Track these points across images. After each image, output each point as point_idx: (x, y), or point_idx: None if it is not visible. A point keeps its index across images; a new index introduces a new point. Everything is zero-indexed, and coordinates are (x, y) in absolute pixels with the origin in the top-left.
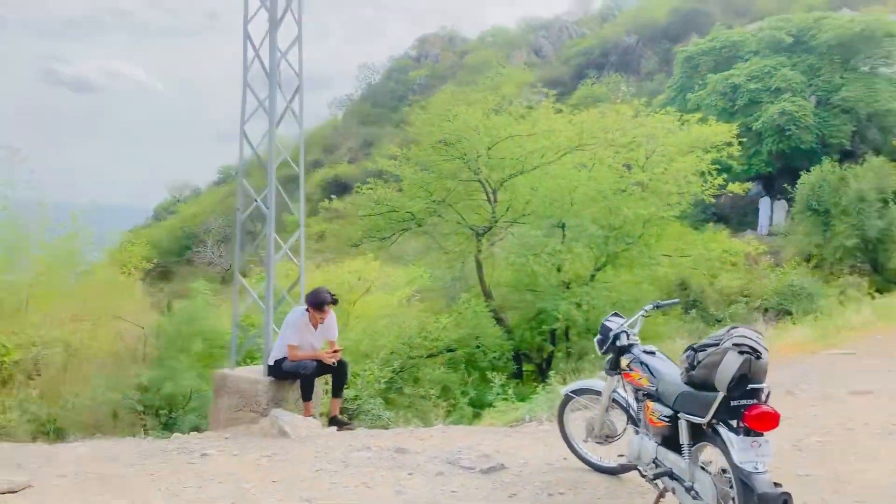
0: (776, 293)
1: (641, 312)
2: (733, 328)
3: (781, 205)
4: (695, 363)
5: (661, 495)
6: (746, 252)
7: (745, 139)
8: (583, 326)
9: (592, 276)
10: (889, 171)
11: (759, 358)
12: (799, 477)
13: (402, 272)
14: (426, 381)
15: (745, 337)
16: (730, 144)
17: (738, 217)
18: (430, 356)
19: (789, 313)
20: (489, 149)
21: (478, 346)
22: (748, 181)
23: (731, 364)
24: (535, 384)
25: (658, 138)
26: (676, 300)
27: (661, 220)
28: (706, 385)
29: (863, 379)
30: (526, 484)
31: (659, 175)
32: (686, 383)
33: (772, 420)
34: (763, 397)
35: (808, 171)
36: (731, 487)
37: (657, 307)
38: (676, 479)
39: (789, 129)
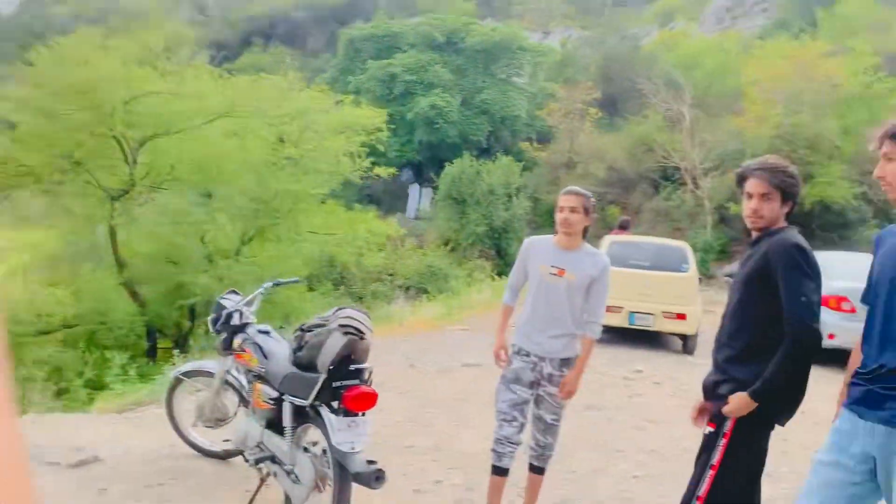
0: (416, 273)
1: (260, 290)
2: (340, 309)
3: (428, 192)
4: (302, 344)
5: (263, 480)
6: (389, 234)
7: (398, 127)
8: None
9: (238, 251)
10: (514, 169)
11: (362, 339)
12: (405, 448)
13: (16, 235)
14: (31, 361)
15: (351, 318)
16: (380, 130)
17: (390, 200)
18: (41, 333)
19: (427, 291)
20: (126, 103)
21: (102, 322)
22: (402, 167)
23: (334, 345)
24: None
25: (312, 115)
26: (296, 279)
27: (310, 196)
28: (311, 366)
29: (475, 353)
30: (122, 476)
31: (310, 152)
32: (293, 364)
33: (369, 400)
34: (365, 378)
35: (451, 162)
36: (330, 468)
37: (277, 285)
38: (278, 463)
39: (438, 123)
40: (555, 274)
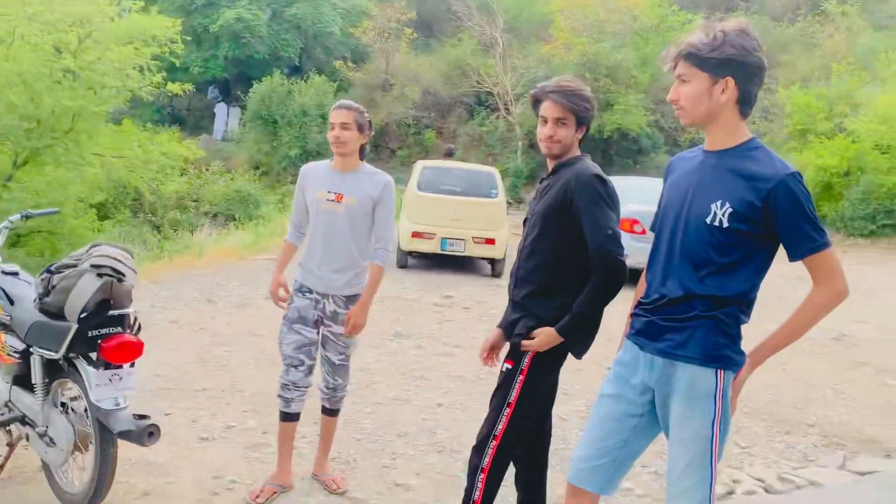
0: (224, 199)
1: (5, 224)
2: (95, 246)
3: (237, 112)
4: (49, 287)
5: (13, 446)
6: (187, 156)
7: (202, 41)
8: None
9: (10, 176)
10: (328, 89)
11: (121, 280)
12: (196, 392)
13: None
14: None
15: (107, 256)
16: (173, 41)
17: (195, 121)
18: None
19: (235, 219)
20: None
21: None
22: (208, 85)
23: (86, 288)
24: None
25: (93, 22)
26: (55, 209)
27: (94, 115)
28: (61, 313)
29: None
30: None
31: (91, 64)
32: (41, 311)
33: (133, 350)
34: (129, 325)
35: (260, 80)
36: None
37: (27, 217)
38: (30, 425)
39: (245, 37)
40: (332, 200)
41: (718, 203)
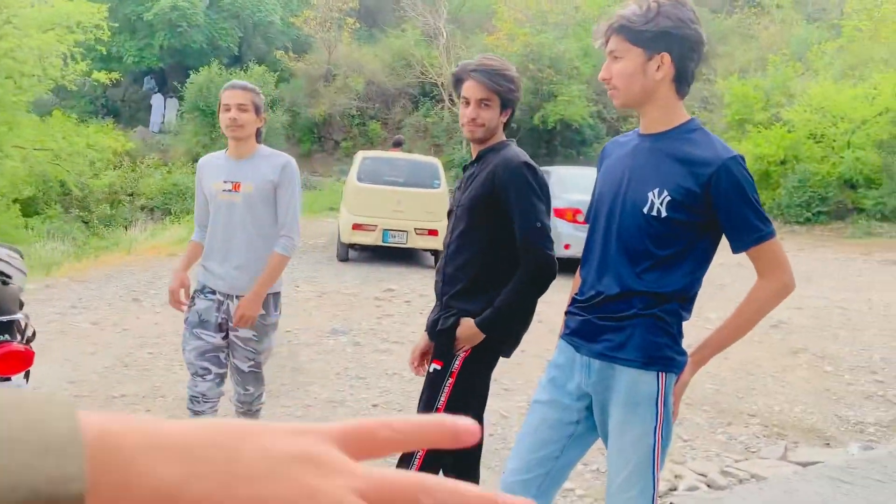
0: (160, 192)
1: None
2: None
3: (174, 103)
4: None
5: None
6: (115, 148)
7: (137, 29)
8: None
9: None
10: (268, 79)
11: (6, 283)
12: (114, 398)
13: None
14: None
15: None
16: (99, 27)
17: (130, 112)
18: None
19: (171, 213)
20: None
21: None
22: (143, 76)
23: None
24: None
25: (12, 7)
26: None
27: (13, 105)
28: None
29: None
30: None
31: (9, 52)
32: None
33: (23, 360)
34: (18, 331)
35: (198, 71)
36: None
37: None
38: None
39: (181, 26)
40: (229, 190)
41: (655, 191)
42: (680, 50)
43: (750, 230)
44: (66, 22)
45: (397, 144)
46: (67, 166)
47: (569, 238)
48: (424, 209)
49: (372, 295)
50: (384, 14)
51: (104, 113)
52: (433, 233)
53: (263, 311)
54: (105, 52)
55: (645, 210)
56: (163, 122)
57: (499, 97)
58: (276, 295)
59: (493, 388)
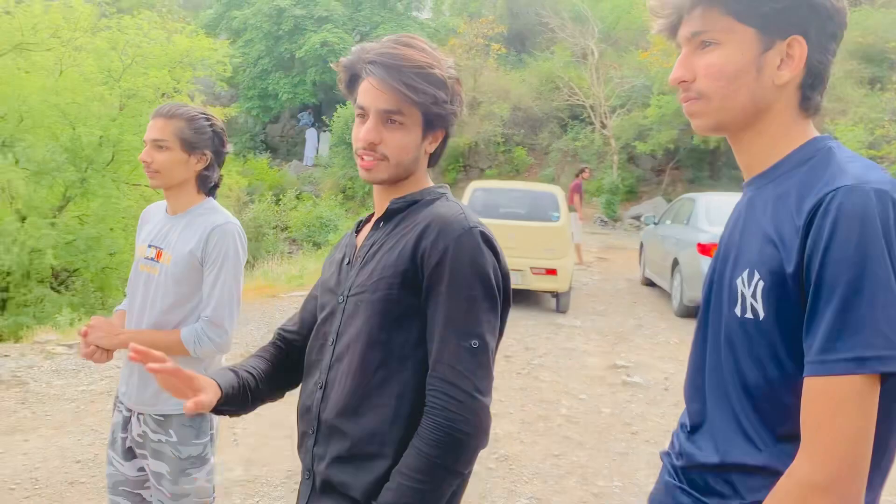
0: (304, 225)
1: None
2: None
3: (327, 137)
4: None
5: None
6: (230, 185)
7: (290, 67)
8: (24, 271)
9: (62, 208)
10: None
11: None
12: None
13: None
14: None
15: None
16: (221, 64)
17: (287, 147)
18: None
19: (319, 245)
20: None
21: None
22: (300, 111)
23: None
24: None
25: (141, 46)
26: None
27: (132, 144)
28: None
29: None
30: None
31: (130, 91)
32: None
33: None
34: None
35: (345, 105)
36: None
37: None
38: None
39: (330, 61)
40: (151, 258)
41: (745, 275)
42: (818, 33)
43: (823, 332)
44: (189, 59)
45: (580, 174)
46: None
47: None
48: (542, 245)
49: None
50: (533, 37)
51: (263, 148)
52: (552, 272)
53: (174, 438)
54: (223, 88)
55: (737, 312)
56: (316, 156)
57: (417, 109)
58: (200, 417)
59: None
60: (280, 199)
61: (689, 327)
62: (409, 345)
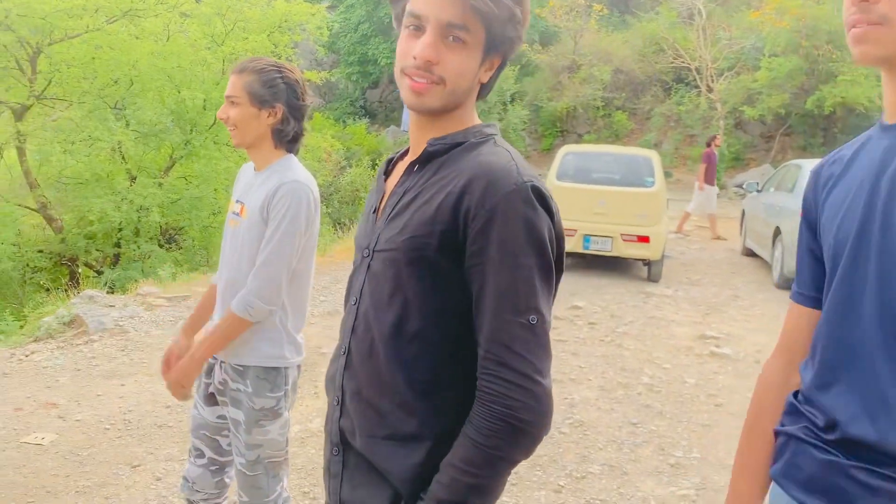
0: None
1: None
2: None
3: None
4: None
5: None
6: (325, 147)
7: (390, 31)
8: (134, 228)
9: (170, 169)
10: (507, 74)
11: None
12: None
13: None
14: None
15: None
16: (319, 29)
17: (385, 112)
18: None
19: None
20: None
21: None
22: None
23: None
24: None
25: (242, 11)
26: None
27: None
28: None
29: None
30: None
31: (238, 54)
32: None
33: None
34: None
35: None
36: None
37: None
38: None
39: None
40: (237, 213)
41: None
42: None
43: None
44: (289, 24)
45: (713, 141)
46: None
47: None
48: (634, 211)
49: (553, 313)
50: None
51: (362, 114)
52: (644, 239)
53: (250, 389)
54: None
55: None
56: None
57: (482, 26)
58: (274, 371)
59: None
60: (376, 164)
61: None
62: (446, 314)
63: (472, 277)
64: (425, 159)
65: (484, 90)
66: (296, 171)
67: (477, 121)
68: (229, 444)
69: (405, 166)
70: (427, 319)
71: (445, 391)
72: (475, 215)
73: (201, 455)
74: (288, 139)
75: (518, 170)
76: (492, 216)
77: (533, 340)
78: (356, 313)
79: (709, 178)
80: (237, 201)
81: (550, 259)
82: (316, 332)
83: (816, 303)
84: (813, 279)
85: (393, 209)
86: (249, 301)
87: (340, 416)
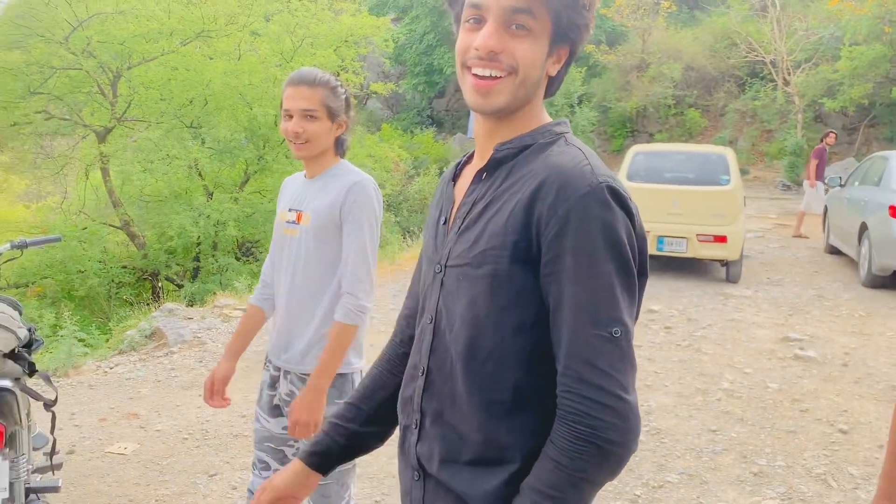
0: None
1: None
2: None
3: None
4: None
5: None
6: (392, 157)
7: (454, 41)
8: (211, 242)
9: (244, 184)
10: (574, 76)
11: None
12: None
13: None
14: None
15: None
16: (385, 41)
17: (452, 120)
18: (16, 287)
19: None
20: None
21: (81, 271)
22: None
23: None
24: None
25: (307, 27)
26: (57, 237)
27: None
28: None
29: None
30: None
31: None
32: None
33: None
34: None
35: None
36: None
37: (22, 246)
38: None
39: None
40: (292, 222)
41: None
42: None
43: None
44: (354, 37)
45: (824, 139)
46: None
47: None
48: (709, 211)
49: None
50: None
51: (429, 123)
52: (720, 239)
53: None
54: (388, 64)
55: None
56: None
57: (548, 13)
58: (343, 377)
59: None
60: (444, 171)
61: (878, 299)
62: (523, 330)
63: (548, 289)
64: (493, 166)
65: (552, 86)
66: (359, 171)
67: (546, 119)
68: (295, 454)
69: (472, 172)
70: (503, 336)
71: (526, 411)
72: (548, 222)
73: (267, 467)
74: (345, 147)
75: (592, 169)
76: (566, 222)
77: (616, 354)
78: (433, 332)
79: (819, 176)
80: (291, 210)
81: (631, 264)
82: (385, 340)
83: None
84: None
85: (463, 221)
86: (355, 306)
87: (418, 441)
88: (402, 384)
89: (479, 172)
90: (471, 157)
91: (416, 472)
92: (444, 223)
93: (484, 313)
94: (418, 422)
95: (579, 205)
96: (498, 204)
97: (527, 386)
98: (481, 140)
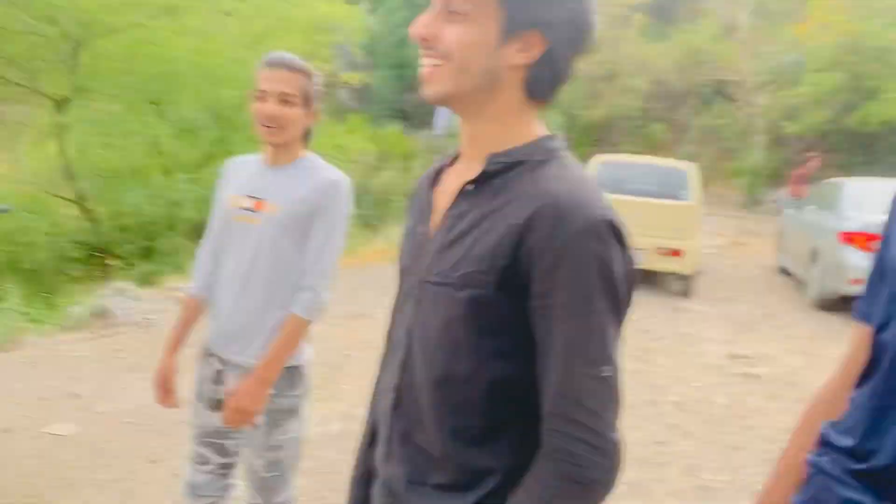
0: None
1: None
2: None
3: None
4: None
5: None
6: (359, 149)
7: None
8: (167, 223)
9: (205, 164)
10: None
11: None
12: None
13: None
14: None
15: None
16: (355, 31)
17: (421, 116)
18: None
19: None
20: None
21: (29, 243)
22: None
23: None
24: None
25: (282, 11)
26: (7, 206)
27: None
28: None
29: None
30: None
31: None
32: None
33: None
34: None
35: None
36: None
37: None
38: None
39: None
40: (248, 209)
41: None
42: None
43: None
44: (327, 24)
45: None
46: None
47: (858, 271)
48: (669, 224)
49: None
50: (679, 8)
51: (398, 117)
52: (677, 253)
53: (272, 389)
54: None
55: None
56: (449, 126)
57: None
58: (294, 369)
59: None
60: (408, 167)
61: (825, 321)
62: (501, 357)
63: (536, 321)
64: (483, 180)
65: (537, 85)
66: (332, 168)
67: (538, 130)
68: (235, 445)
69: (456, 178)
70: (480, 362)
71: (501, 437)
72: (542, 254)
73: (206, 462)
74: (309, 138)
75: (589, 202)
76: (561, 255)
77: (606, 394)
78: (406, 349)
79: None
80: (249, 196)
81: (624, 301)
82: (341, 333)
83: None
84: None
85: (447, 235)
86: (315, 302)
87: (386, 458)
88: (375, 393)
89: (466, 185)
90: (452, 160)
91: (385, 488)
92: (423, 233)
93: (462, 336)
94: (388, 437)
95: (576, 239)
96: (486, 224)
97: (501, 412)
98: (464, 144)
